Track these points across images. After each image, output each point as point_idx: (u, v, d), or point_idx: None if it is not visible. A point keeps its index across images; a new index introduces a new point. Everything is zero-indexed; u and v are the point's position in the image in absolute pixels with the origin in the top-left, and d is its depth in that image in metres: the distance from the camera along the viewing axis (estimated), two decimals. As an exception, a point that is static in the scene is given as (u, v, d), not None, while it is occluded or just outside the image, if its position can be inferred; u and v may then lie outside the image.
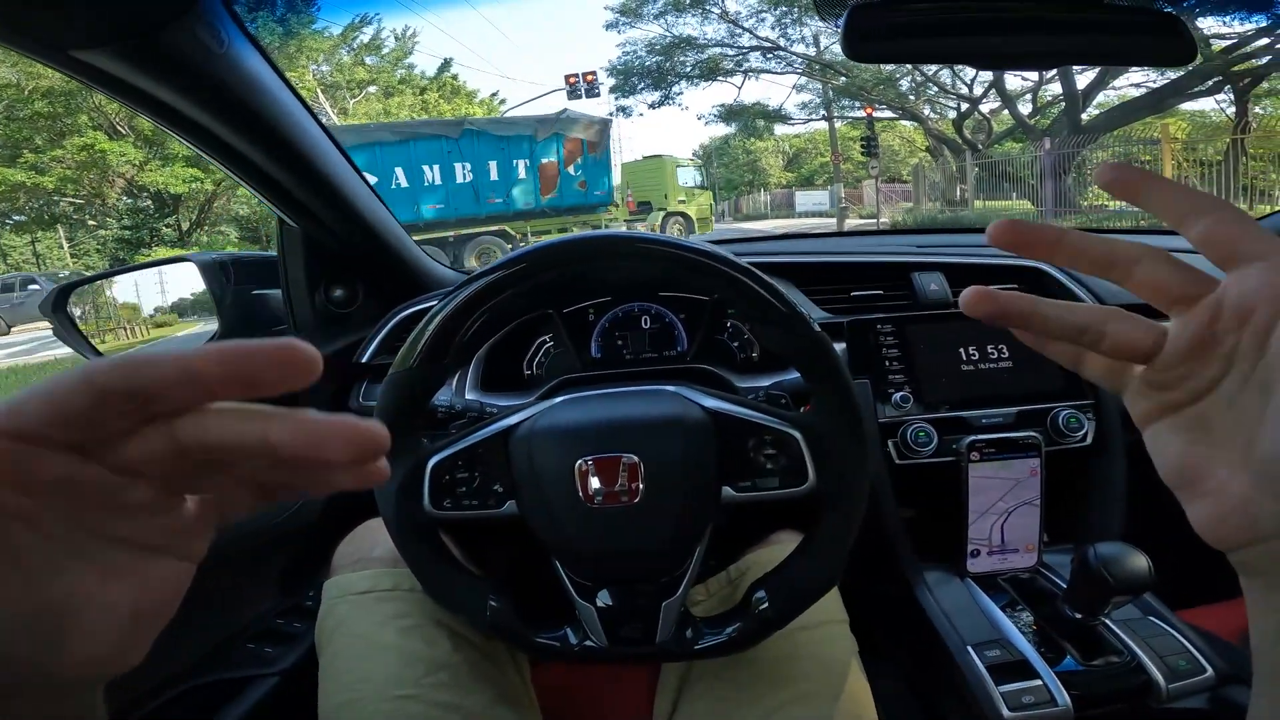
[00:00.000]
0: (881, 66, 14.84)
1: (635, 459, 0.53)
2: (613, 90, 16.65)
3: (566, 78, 16.51)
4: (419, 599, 0.63)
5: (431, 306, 0.96)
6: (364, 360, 0.95)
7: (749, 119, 18.14)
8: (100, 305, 1.47)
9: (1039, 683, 0.65)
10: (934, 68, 13.91)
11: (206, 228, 15.60)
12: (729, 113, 17.88)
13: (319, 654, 0.63)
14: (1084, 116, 11.71)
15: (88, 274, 1.16)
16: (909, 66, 14.31)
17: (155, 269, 1.22)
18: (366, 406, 0.94)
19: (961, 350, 0.87)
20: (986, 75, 13.50)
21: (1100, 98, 12.48)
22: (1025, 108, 13.95)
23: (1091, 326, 0.26)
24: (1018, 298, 0.27)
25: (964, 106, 14.77)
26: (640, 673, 0.73)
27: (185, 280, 1.35)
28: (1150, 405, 0.26)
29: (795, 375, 0.86)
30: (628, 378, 0.88)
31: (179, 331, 1.45)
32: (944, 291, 0.94)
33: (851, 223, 15.53)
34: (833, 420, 0.54)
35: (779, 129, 22.32)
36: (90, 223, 14.97)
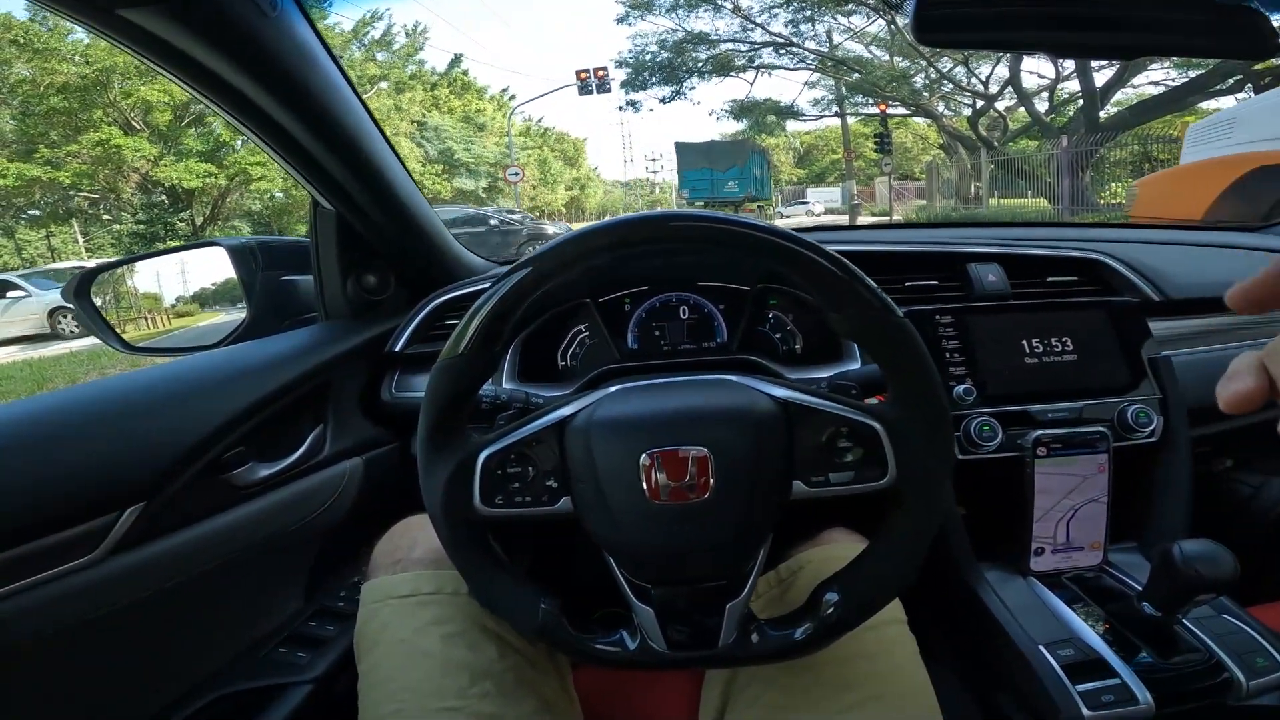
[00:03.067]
0: (895, 63, 14.79)
1: (704, 452, 0.50)
2: (623, 85, 16.68)
3: (578, 73, 16.56)
4: (463, 603, 0.60)
5: (473, 293, 0.93)
6: (397, 349, 0.93)
7: (760, 115, 18.06)
8: (122, 294, 1.45)
9: (1118, 681, 0.64)
10: (948, 64, 13.83)
11: (220, 222, 15.74)
12: (740, 109, 17.81)
13: (358, 660, 0.61)
14: (1101, 115, 11.59)
15: (110, 260, 1.13)
16: (923, 63, 14.26)
17: (179, 255, 1.19)
18: (400, 397, 0.92)
19: (1024, 342, 0.84)
20: (1003, 72, 13.42)
21: (1119, 95, 12.36)
22: (1042, 105, 13.84)
23: None
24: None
25: (979, 104, 14.67)
26: (683, 678, 0.70)
27: (207, 269, 1.33)
28: None
29: (857, 366, 0.82)
30: (668, 369, 0.85)
31: (201, 321, 1.44)
32: (1002, 282, 0.90)
33: (864, 219, 15.45)
34: (917, 412, 0.50)
35: (790, 125, 22.19)
36: (105, 217, 15.13)
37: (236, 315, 1.04)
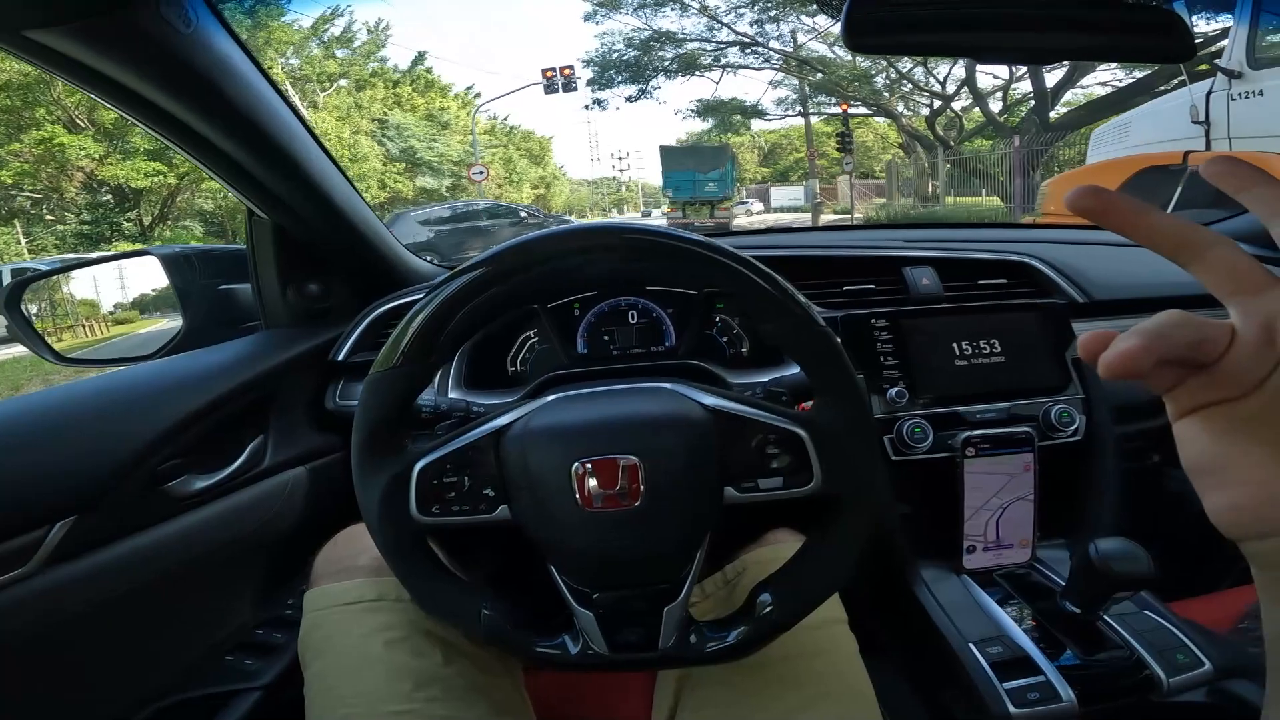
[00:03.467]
0: (857, 62, 15.04)
1: (635, 460, 0.50)
2: (590, 83, 16.62)
3: (544, 71, 16.44)
4: (406, 609, 0.60)
5: (412, 302, 0.93)
6: (340, 358, 0.92)
7: (726, 114, 18.21)
8: (57, 301, 1.40)
9: (1043, 678, 0.65)
10: (908, 64, 14.13)
11: (170, 222, 15.19)
12: (706, 108, 17.93)
13: (304, 668, 0.61)
14: (1052, 114, 11.97)
15: (42, 268, 1.09)
16: (884, 64, 14.54)
17: (115, 263, 1.15)
18: (344, 406, 0.91)
19: (955, 345, 0.86)
20: (959, 73, 13.77)
21: (1068, 96, 12.77)
22: (996, 105, 14.23)
23: (1193, 242, 0.25)
24: (1121, 197, 0.26)
25: (936, 104, 15.01)
26: (636, 680, 0.71)
27: (147, 275, 1.29)
28: (1190, 401, 0.26)
29: (793, 371, 0.84)
30: (616, 374, 0.86)
31: (141, 329, 1.39)
32: (935, 285, 0.93)
33: (826, 217, 15.70)
34: (840, 418, 0.52)
35: (755, 124, 22.45)
36: (48, 217, 14.46)
37: (178, 323, 1.02)
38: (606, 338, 0.96)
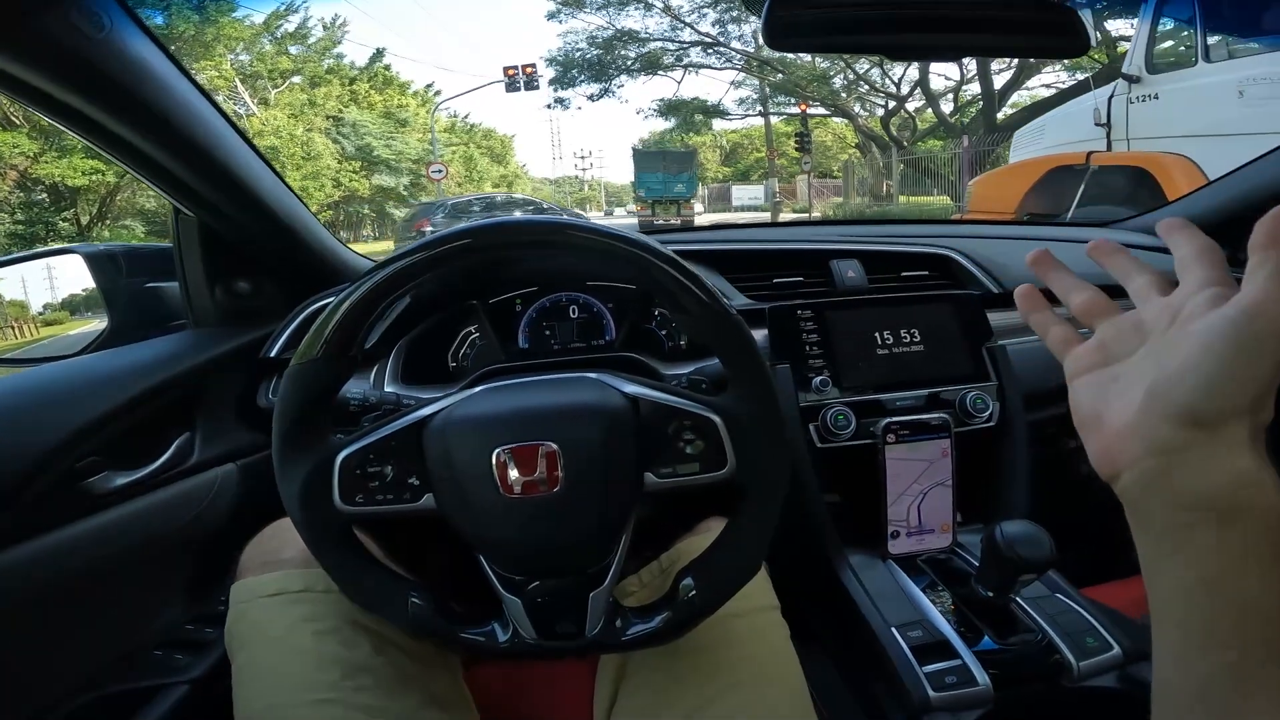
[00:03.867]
0: (815, 63, 15.29)
1: (554, 447, 0.51)
2: (552, 82, 16.54)
3: (505, 70, 16.30)
4: (334, 600, 0.60)
5: None
6: (272, 355, 0.90)
7: (688, 114, 18.30)
8: (-25, 304, 1.34)
9: (960, 662, 0.67)
10: (865, 65, 14.42)
11: (109, 222, 14.53)
12: (668, 107, 18.00)
13: (231, 660, 0.60)
14: (1000, 115, 12.36)
15: None
16: (841, 64, 14.81)
17: (42, 261, 1.12)
18: (275, 403, 0.90)
19: (877, 334, 0.89)
20: (913, 74, 14.12)
21: (1015, 97, 13.21)
22: (947, 106, 14.63)
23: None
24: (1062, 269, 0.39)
25: (891, 104, 15.35)
26: (578, 668, 0.71)
27: (78, 275, 1.25)
28: (1081, 366, 0.35)
29: (715, 362, 0.86)
30: (554, 367, 0.87)
31: (71, 330, 1.34)
32: (860, 277, 0.97)
33: (785, 216, 15.94)
34: (750, 405, 0.54)
35: (717, 124, 22.69)
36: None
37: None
38: (548, 332, 0.97)
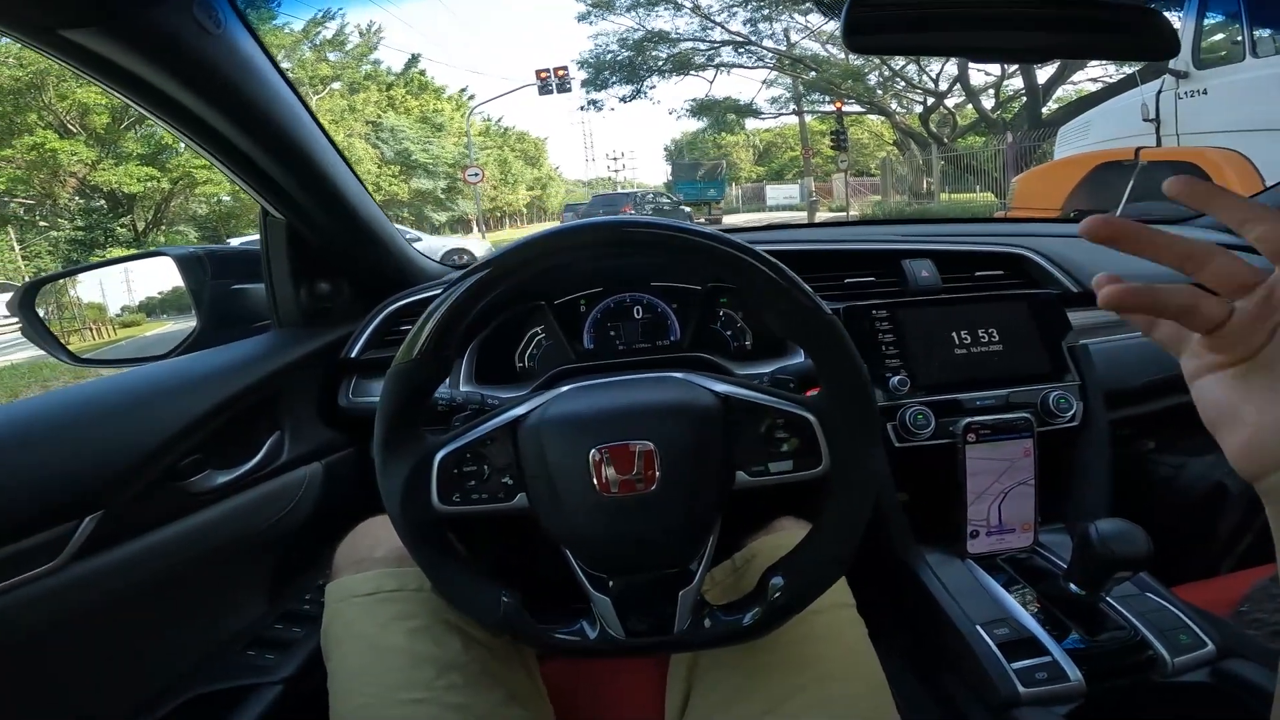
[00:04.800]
0: (850, 61, 15.09)
1: (650, 446, 0.52)
2: (584, 84, 16.62)
3: (538, 73, 16.49)
4: (425, 599, 0.62)
5: (427, 298, 0.95)
6: (353, 355, 0.93)
7: (720, 113, 18.22)
8: (65, 304, 1.41)
9: (1050, 659, 0.66)
10: (901, 62, 14.18)
11: (164, 227, 15.11)
12: (700, 107, 17.93)
13: (326, 660, 0.62)
14: (1044, 110, 12.01)
15: (53, 272, 1.10)
16: (876, 61, 14.59)
17: (125, 265, 1.16)
18: (358, 403, 0.92)
19: (954, 334, 0.89)
20: (952, 70, 13.83)
21: (1060, 92, 12.83)
22: (988, 102, 14.29)
23: (1197, 255, 0.30)
24: (1132, 224, 0.32)
25: (930, 101, 15.06)
26: (649, 665, 0.72)
27: (153, 278, 1.30)
28: (1202, 364, 0.32)
29: (798, 360, 0.86)
30: (622, 368, 0.88)
31: (148, 331, 1.40)
32: (934, 277, 0.95)
33: (822, 215, 15.75)
34: (845, 403, 0.54)
35: (750, 123, 22.53)
36: (41, 224, 14.38)
37: (185, 324, 1.03)
38: (613, 333, 0.98)
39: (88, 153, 13.38)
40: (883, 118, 17.64)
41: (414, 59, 21.75)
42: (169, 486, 0.72)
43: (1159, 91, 3.90)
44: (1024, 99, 12.82)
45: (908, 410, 0.84)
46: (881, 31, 0.70)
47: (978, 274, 0.99)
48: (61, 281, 1.28)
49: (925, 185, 14.59)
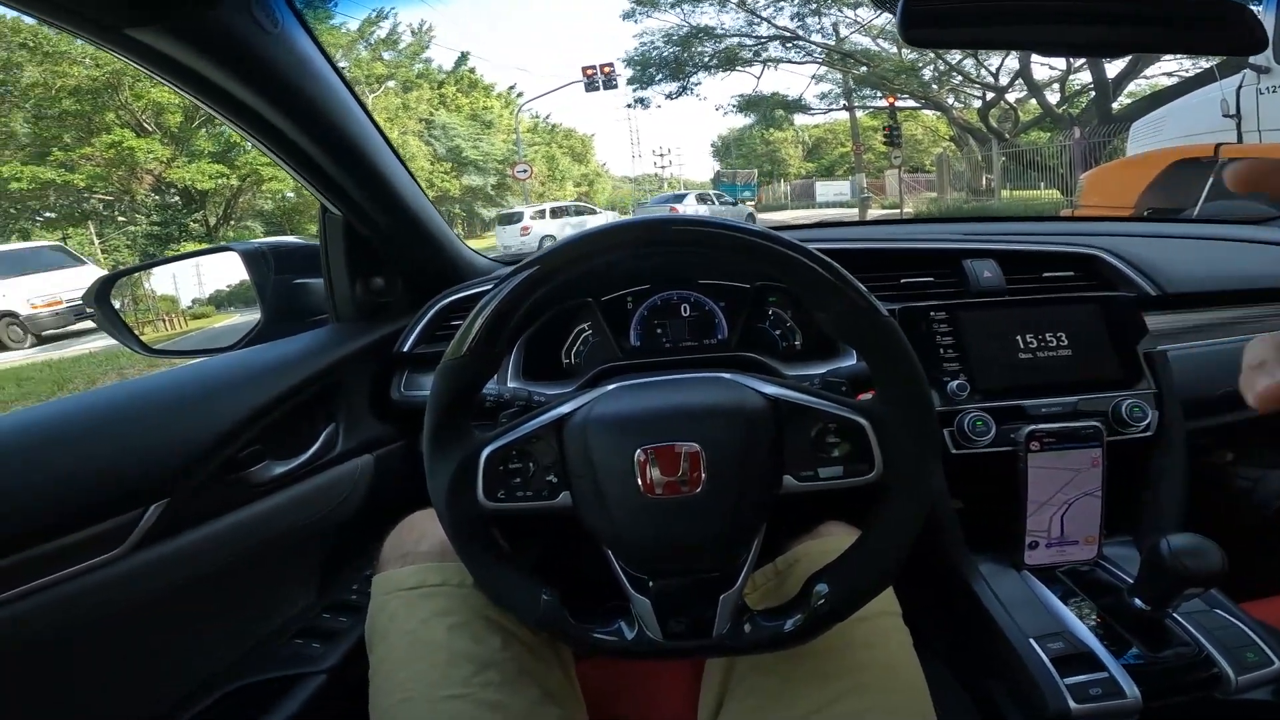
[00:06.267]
0: (903, 55, 14.68)
1: (696, 448, 0.51)
2: (630, 81, 16.65)
3: (584, 70, 16.56)
4: (466, 594, 0.62)
5: (478, 294, 0.95)
6: (405, 350, 0.95)
7: (768, 109, 17.97)
8: (139, 297, 1.48)
9: (1105, 674, 0.65)
10: (957, 57, 13.72)
11: (233, 223, 15.86)
12: (747, 103, 17.73)
13: (369, 652, 0.63)
14: (1115, 105, 11.45)
15: (128, 265, 1.15)
16: (931, 56, 14.16)
17: (195, 260, 1.22)
18: (409, 396, 0.94)
19: (1019, 338, 0.85)
20: (1013, 64, 13.31)
21: (1131, 87, 12.20)
22: (1053, 97, 13.69)
23: None
24: None
25: (989, 96, 14.51)
26: (684, 667, 0.72)
27: (221, 272, 1.36)
28: None
29: (849, 363, 0.84)
30: (670, 366, 0.87)
31: (216, 323, 1.47)
32: (998, 278, 0.91)
33: (874, 212, 15.40)
34: (902, 408, 0.52)
35: (798, 119, 22.25)
36: (120, 219, 15.25)
37: (250, 317, 1.07)
38: (659, 330, 0.97)
39: (162, 150, 14.12)
40: (938, 113, 17.07)
41: (464, 57, 22.18)
42: (229, 477, 0.74)
43: (1239, 87, 3.74)
44: (1092, 94, 12.24)
45: (966, 416, 0.81)
46: (940, 24, 0.67)
47: (1046, 275, 0.94)
48: (136, 275, 1.35)
49: (985, 182, 14.10)
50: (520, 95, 24.60)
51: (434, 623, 0.61)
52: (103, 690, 0.66)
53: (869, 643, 0.61)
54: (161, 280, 1.47)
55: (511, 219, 14.76)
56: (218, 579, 0.72)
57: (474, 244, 1.20)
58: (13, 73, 13.40)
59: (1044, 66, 13.71)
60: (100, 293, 0.99)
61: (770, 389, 0.55)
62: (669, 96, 16.65)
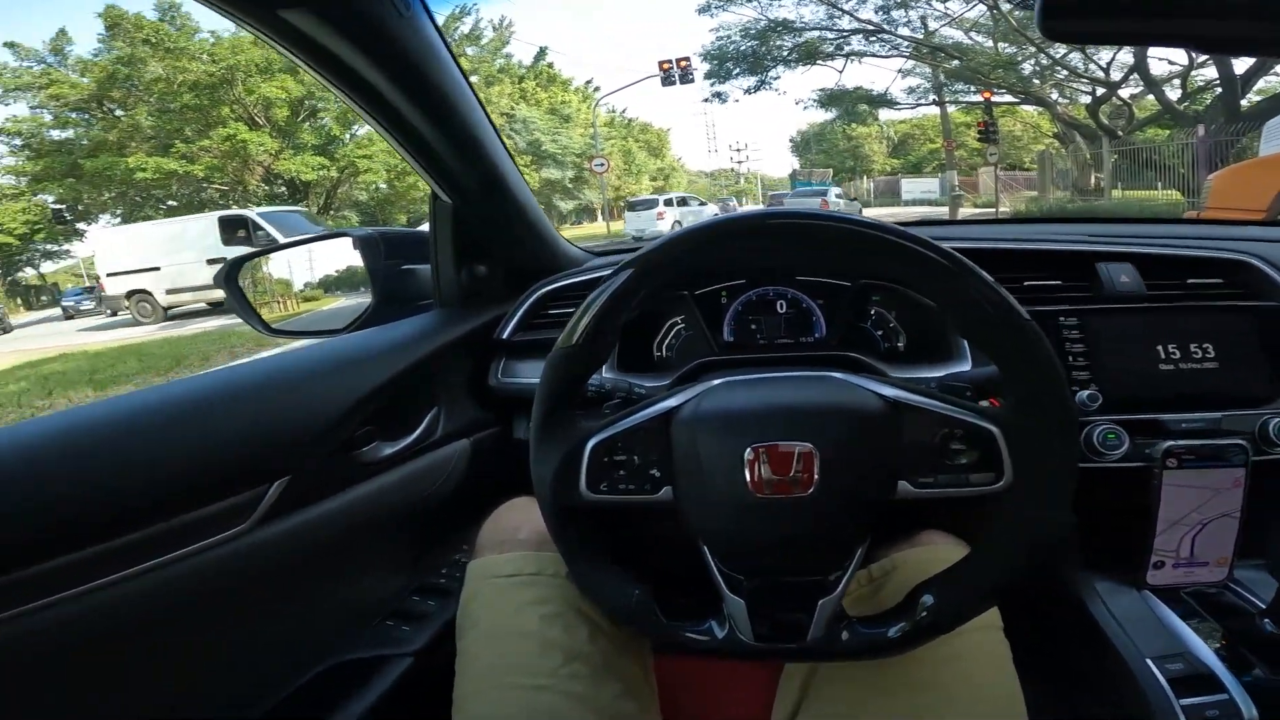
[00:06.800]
0: (1000, 49, 13.88)
1: (809, 448, 0.50)
2: (707, 76, 16.50)
3: (660, 64, 16.56)
4: (560, 585, 0.63)
5: (577, 283, 0.96)
6: (504, 336, 0.97)
7: (850, 103, 17.43)
8: (258, 279, 1.59)
9: (1224, 696, 0.62)
10: (1061, 50, 12.86)
11: (331, 212, 16.86)
12: (829, 98, 17.25)
13: (459, 636, 0.63)
14: (1244, 103, 10.42)
15: (257, 249, 1.23)
16: (1031, 50, 13.34)
17: (312, 245, 1.29)
18: (506, 383, 0.96)
19: (1159, 348, 0.79)
20: (1125, 58, 12.34)
21: (1261, 83, 11.08)
22: (1174, 93, 12.61)
23: None
24: None
25: (1099, 91, 13.51)
26: (759, 669, 0.70)
27: (331, 257, 1.44)
28: None
29: (965, 367, 0.80)
30: (768, 363, 0.85)
31: (324, 305, 1.56)
32: (1135, 283, 0.84)
33: (966, 211, 14.65)
34: (1040, 417, 0.49)
35: (883, 114, 21.39)
36: (234, 207, 16.51)
37: (355, 301, 1.12)
38: (754, 326, 0.95)
39: (272, 143, 15.14)
40: (1040, 108, 16.03)
41: (542, 52, 22.56)
42: (344, 456, 0.76)
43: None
44: (1217, 89, 11.17)
45: (1097, 428, 0.76)
46: (1089, 15, 0.62)
47: (1190, 281, 0.86)
48: (258, 259, 1.44)
49: (1093, 181, 13.16)
50: (597, 90, 24.95)
51: (527, 611, 0.61)
52: (217, 659, 0.68)
53: (965, 655, 0.58)
54: (278, 264, 1.57)
55: (642, 205, 16.63)
56: (325, 557, 0.74)
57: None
58: (137, 68, 14.65)
59: (1162, 61, 12.64)
60: (230, 274, 1.06)
61: (889, 391, 0.53)
62: (746, 91, 16.43)
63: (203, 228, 10.71)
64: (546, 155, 20.75)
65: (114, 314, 12.75)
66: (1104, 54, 12.83)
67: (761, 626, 0.53)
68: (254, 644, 0.71)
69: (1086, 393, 0.77)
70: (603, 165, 18.04)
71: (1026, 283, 0.88)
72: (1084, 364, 0.80)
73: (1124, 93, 13.47)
